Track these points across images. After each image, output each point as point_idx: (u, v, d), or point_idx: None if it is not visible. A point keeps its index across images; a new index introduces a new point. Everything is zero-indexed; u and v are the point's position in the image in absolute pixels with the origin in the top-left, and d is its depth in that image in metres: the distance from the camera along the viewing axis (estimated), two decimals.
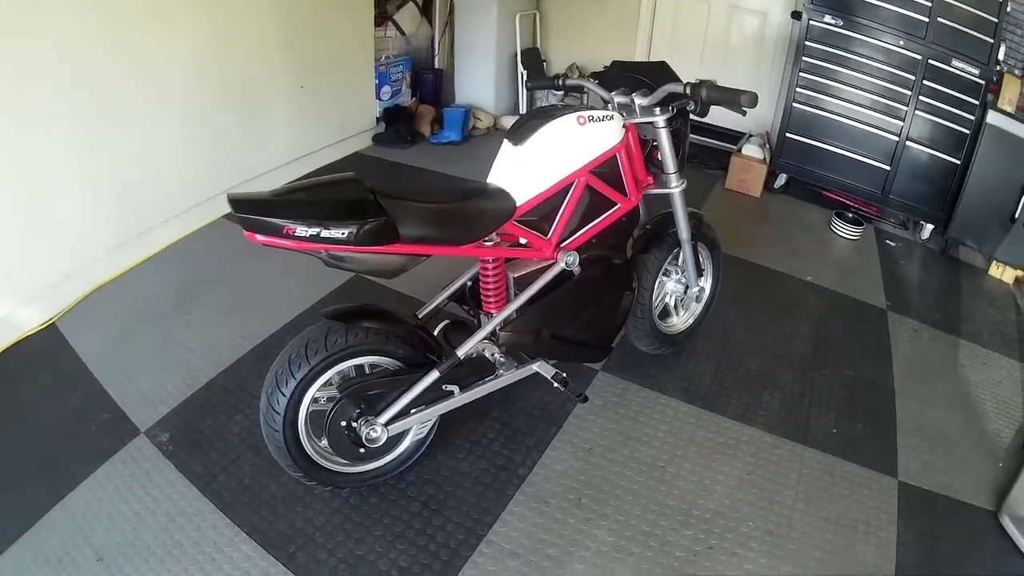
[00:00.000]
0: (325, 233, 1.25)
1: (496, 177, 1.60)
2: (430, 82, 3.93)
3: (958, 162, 3.00)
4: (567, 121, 1.57)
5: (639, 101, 1.69)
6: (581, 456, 1.88)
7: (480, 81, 3.95)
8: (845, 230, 3.22)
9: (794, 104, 3.27)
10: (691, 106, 1.64)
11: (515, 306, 1.64)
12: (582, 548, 1.63)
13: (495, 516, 1.69)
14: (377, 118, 3.75)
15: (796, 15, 3.36)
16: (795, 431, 2.02)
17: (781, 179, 3.59)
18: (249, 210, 1.21)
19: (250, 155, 3.03)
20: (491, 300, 1.68)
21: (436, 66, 4.01)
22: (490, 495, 1.75)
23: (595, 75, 1.91)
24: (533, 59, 4.05)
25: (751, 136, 3.68)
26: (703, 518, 1.72)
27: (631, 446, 1.92)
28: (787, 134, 3.35)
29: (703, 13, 3.79)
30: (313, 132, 3.36)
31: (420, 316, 1.74)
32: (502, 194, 1.55)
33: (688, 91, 1.55)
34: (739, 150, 3.57)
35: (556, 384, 1.76)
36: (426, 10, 3.88)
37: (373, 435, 1.54)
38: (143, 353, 2.19)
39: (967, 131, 2.93)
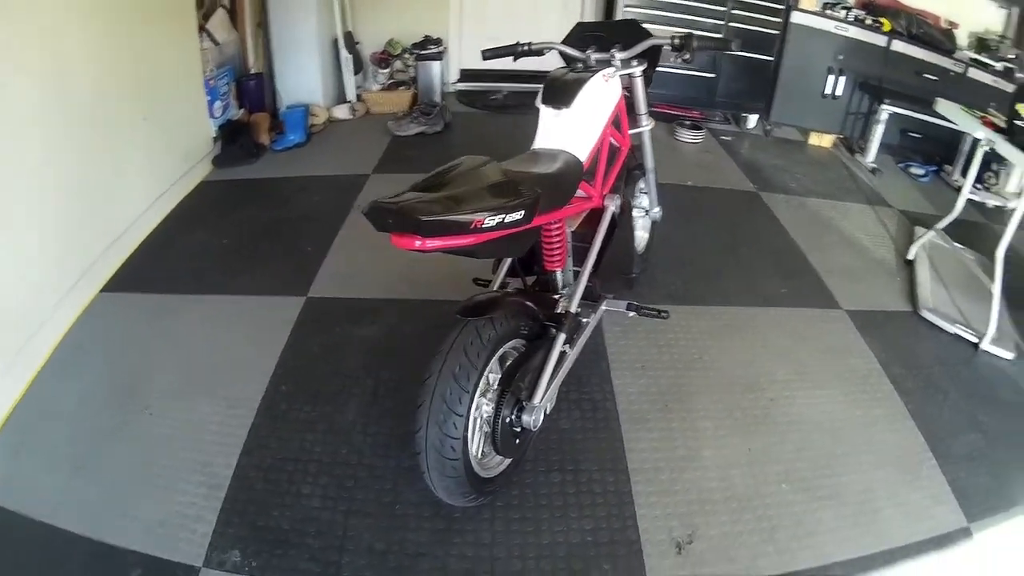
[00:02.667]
0: (508, 218, 1.23)
1: (549, 141, 1.67)
2: (254, 88, 3.51)
3: (771, 59, 3.84)
4: (597, 79, 1.72)
5: (620, 56, 1.89)
6: (639, 373, 2.11)
7: (307, 76, 3.65)
8: (689, 136, 3.87)
9: (625, 8, 3.72)
10: (686, 55, 1.87)
11: (594, 254, 1.76)
12: (697, 439, 1.88)
13: (621, 449, 1.84)
14: (214, 138, 3.26)
15: None
16: (759, 299, 2.52)
17: None
18: (429, 213, 1.13)
19: (111, 210, 2.44)
20: (556, 257, 1.75)
21: (253, 71, 3.59)
22: (603, 435, 1.87)
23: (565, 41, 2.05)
24: (348, 42, 3.87)
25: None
26: (753, 383, 2.10)
27: (666, 351, 2.21)
28: None
29: None
30: (163, 168, 2.81)
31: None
32: (571, 156, 1.63)
33: (679, 43, 1.81)
34: None
35: (632, 313, 1.94)
36: (233, 15, 3.41)
37: (537, 418, 1.54)
38: (121, 475, 1.71)
39: (776, 32, 3.76)
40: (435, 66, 3.67)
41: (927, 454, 1.89)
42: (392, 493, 1.67)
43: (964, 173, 3.74)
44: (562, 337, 1.62)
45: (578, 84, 1.66)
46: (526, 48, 1.99)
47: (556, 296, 1.75)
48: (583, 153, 1.67)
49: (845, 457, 1.86)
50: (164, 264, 2.54)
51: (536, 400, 1.55)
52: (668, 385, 2.07)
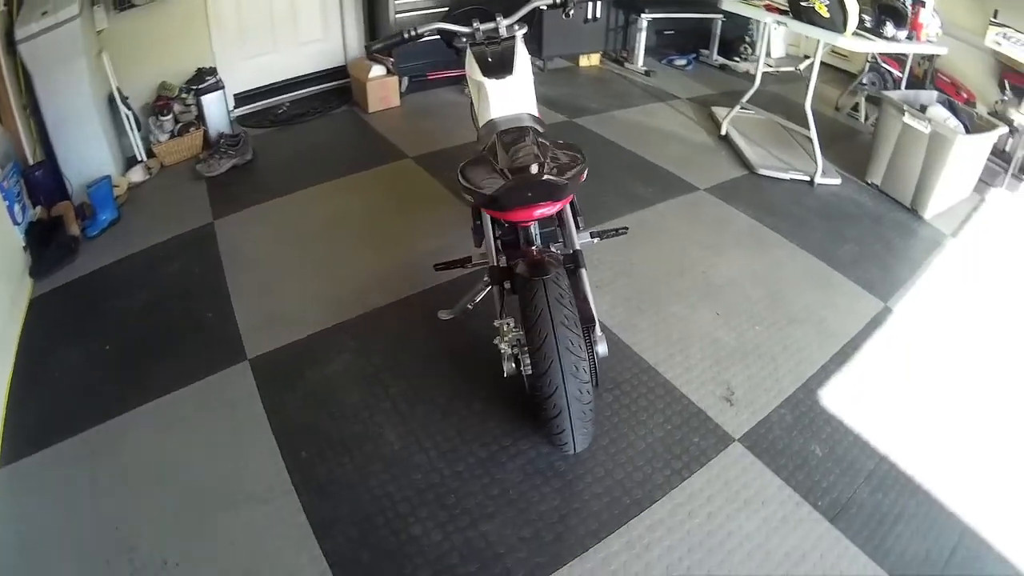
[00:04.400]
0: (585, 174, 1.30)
1: (506, 108, 1.74)
2: (43, 179, 2.64)
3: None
4: (520, 43, 1.85)
5: (504, 22, 1.97)
6: (601, 291, 2.30)
7: (93, 149, 2.82)
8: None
9: (396, 15, 3.73)
10: (569, 10, 1.99)
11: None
12: (679, 320, 2.19)
13: (635, 354, 2.04)
14: (24, 247, 2.41)
15: None
16: (639, 203, 2.89)
17: (404, 83, 4.12)
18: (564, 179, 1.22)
19: None
20: None
21: (35, 160, 2.69)
22: (613, 351, 1.97)
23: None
24: (122, 98, 3.14)
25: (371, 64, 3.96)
26: (682, 266, 2.47)
27: (606, 268, 2.42)
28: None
29: None
30: None
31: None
32: (534, 116, 1.73)
33: (559, 1, 1.96)
34: (369, 78, 3.86)
35: (596, 239, 2.10)
36: None
37: (606, 345, 1.61)
38: None
39: None
40: (217, 97, 3.23)
41: (829, 269, 2.50)
42: (498, 484, 1.64)
43: (721, 54, 4.73)
44: (584, 271, 1.74)
45: (510, 51, 1.77)
46: (414, 35, 1.95)
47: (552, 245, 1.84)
48: (536, 110, 1.77)
49: (779, 293, 2.35)
50: (48, 405, 1.89)
51: (599, 330, 1.65)
52: (627, 293, 2.32)
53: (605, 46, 4.69)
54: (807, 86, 3.09)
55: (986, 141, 2.78)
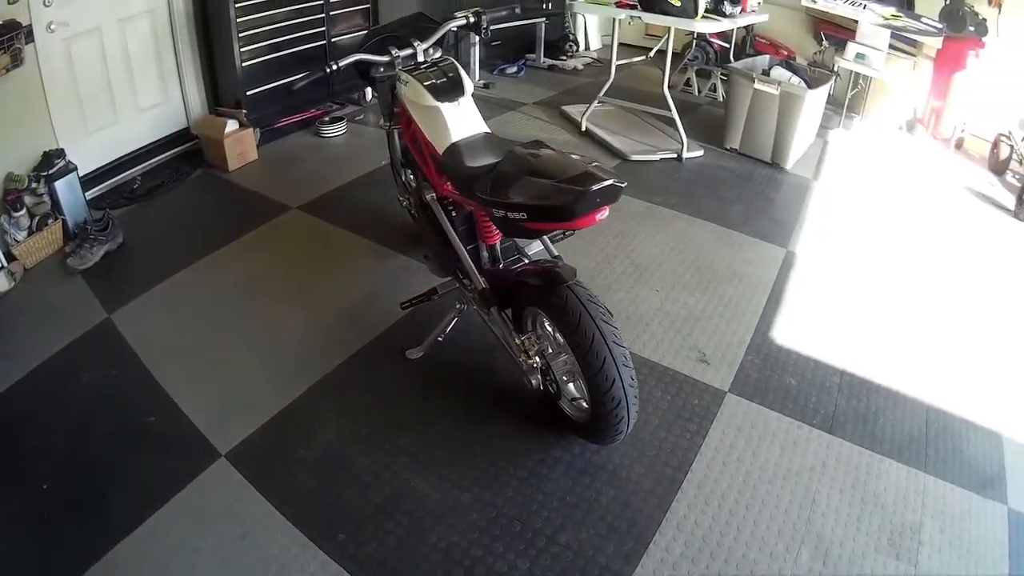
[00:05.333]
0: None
1: (465, 130, 1.76)
2: None
3: (368, 29, 3.95)
4: (457, 63, 1.87)
5: (422, 46, 2.01)
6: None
7: None
8: (335, 130, 3.83)
9: (243, 64, 3.45)
10: (483, 31, 2.08)
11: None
12: (659, 318, 2.38)
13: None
14: None
15: None
16: None
17: (257, 134, 3.82)
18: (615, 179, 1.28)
19: None
20: (494, 231, 1.88)
21: None
22: None
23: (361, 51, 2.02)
24: None
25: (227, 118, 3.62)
26: (617, 252, 2.68)
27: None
28: (247, 92, 3.56)
29: (96, 47, 3.05)
30: None
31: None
32: (491, 134, 1.79)
33: (473, 22, 2.04)
34: (226, 134, 3.53)
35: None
36: None
37: None
38: None
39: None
40: (70, 181, 2.67)
41: (728, 230, 2.88)
42: (552, 495, 1.65)
43: (547, 55, 5.03)
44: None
45: (455, 71, 1.81)
46: (335, 69, 1.87)
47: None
48: (486, 127, 1.81)
49: (698, 260, 2.65)
50: None
51: None
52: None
53: None
54: (663, 71, 3.55)
55: (825, 91, 3.41)
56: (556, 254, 1.90)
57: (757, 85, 3.30)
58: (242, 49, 3.44)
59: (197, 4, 3.40)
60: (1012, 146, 3.41)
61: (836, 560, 1.51)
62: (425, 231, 2.05)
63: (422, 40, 2.02)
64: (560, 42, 5.23)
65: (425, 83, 1.77)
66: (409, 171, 2.41)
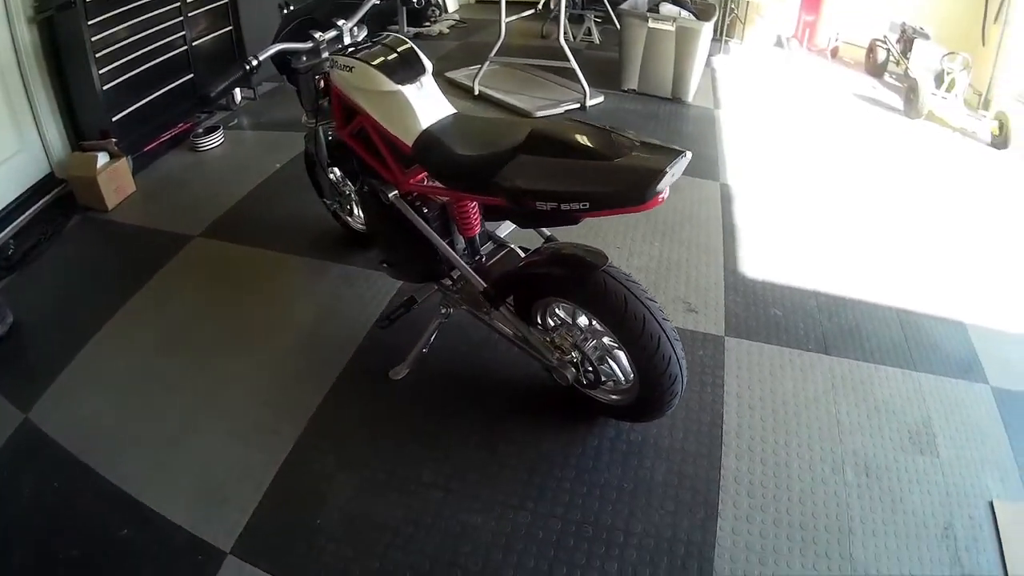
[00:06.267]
0: None
1: (434, 113, 1.55)
2: None
3: (231, 26, 3.57)
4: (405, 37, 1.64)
5: (347, 25, 1.78)
6: None
7: None
8: (212, 141, 3.34)
9: (104, 88, 2.85)
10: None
11: None
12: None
13: None
14: None
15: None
16: None
17: (130, 163, 3.21)
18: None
19: None
20: (474, 223, 1.71)
21: None
22: None
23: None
24: None
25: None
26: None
27: None
28: (113, 118, 2.95)
29: None
30: None
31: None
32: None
33: None
34: (98, 170, 2.89)
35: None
36: None
37: None
38: None
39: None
40: None
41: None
42: (608, 486, 1.58)
43: (411, 24, 4.71)
44: None
45: (407, 47, 1.59)
46: (256, 64, 1.55)
47: None
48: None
49: (671, 225, 2.60)
50: None
51: None
52: None
53: None
54: (558, 25, 3.46)
55: (713, 22, 3.51)
56: (549, 235, 1.77)
57: (652, 24, 3.31)
58: (101, 71, 2.85)
59: (45, 33, 2.81)
60: (888, 49, 3.75)
61: (876, 470, 1.62)
62: (385, 236, 1.83)
63: (346, 19, 1.76)
64: (423, 9, 4.92)
65: (376, 64, 1.51)
66: (338, 171, 2.11)
